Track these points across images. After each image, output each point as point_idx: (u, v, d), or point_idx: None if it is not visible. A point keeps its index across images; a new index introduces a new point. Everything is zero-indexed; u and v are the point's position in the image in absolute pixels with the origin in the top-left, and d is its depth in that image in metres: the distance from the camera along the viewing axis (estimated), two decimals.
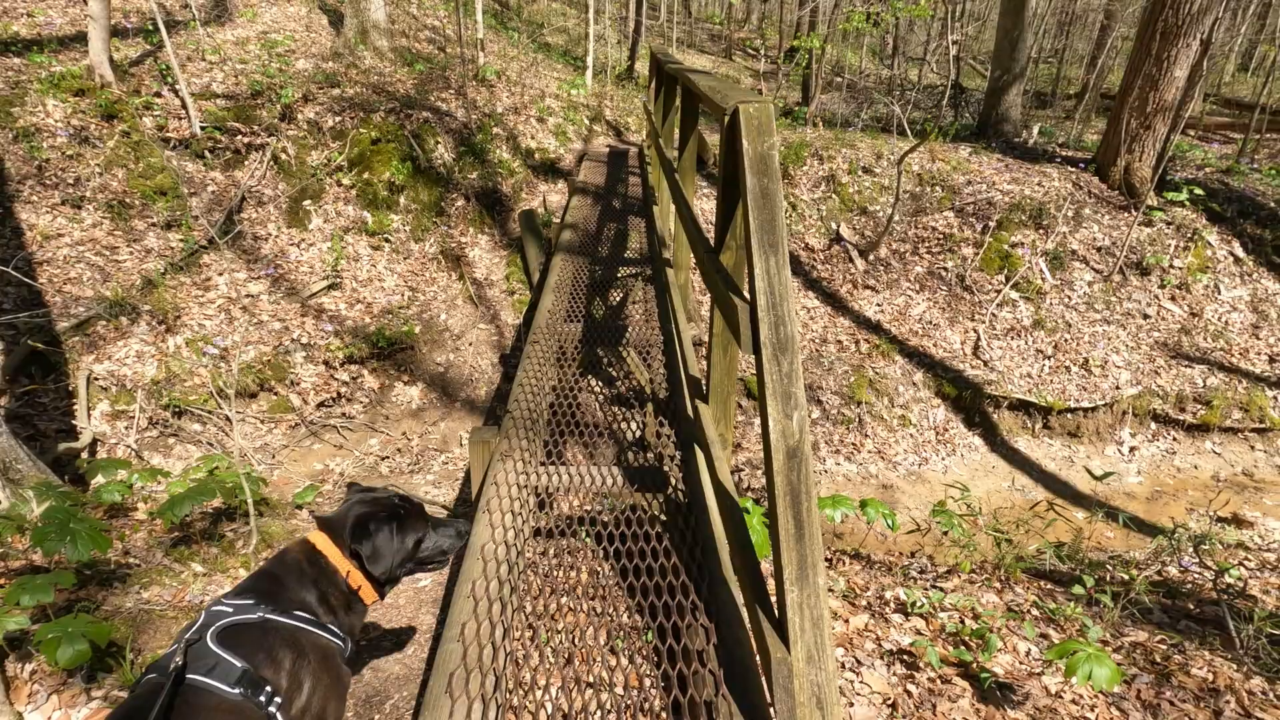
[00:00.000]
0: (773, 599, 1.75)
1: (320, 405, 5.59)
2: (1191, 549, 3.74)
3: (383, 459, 5.38)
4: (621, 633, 1.97)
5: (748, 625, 1.90)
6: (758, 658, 1.78)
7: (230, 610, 1.33)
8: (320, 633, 1.44)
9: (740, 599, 1.98)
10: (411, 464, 5.30)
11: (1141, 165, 7.58)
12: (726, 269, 2.26)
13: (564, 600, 2.10)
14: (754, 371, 4.17)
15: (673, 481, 2.45)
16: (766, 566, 2.67)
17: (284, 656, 1.33)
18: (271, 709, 1.25)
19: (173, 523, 2.30)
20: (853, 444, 6.23)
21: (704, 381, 2.73)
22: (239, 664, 1.24)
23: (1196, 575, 3.48)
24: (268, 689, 1.25)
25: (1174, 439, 6.43)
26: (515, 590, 2.01)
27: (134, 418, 4.84)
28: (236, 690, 1.21)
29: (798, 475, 1.64)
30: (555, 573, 2.26)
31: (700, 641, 1.85)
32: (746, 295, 1.97)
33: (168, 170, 6.10)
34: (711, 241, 2.45)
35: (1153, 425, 6.46)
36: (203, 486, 2.31)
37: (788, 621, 1.54)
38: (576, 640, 1.92)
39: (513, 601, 1.97)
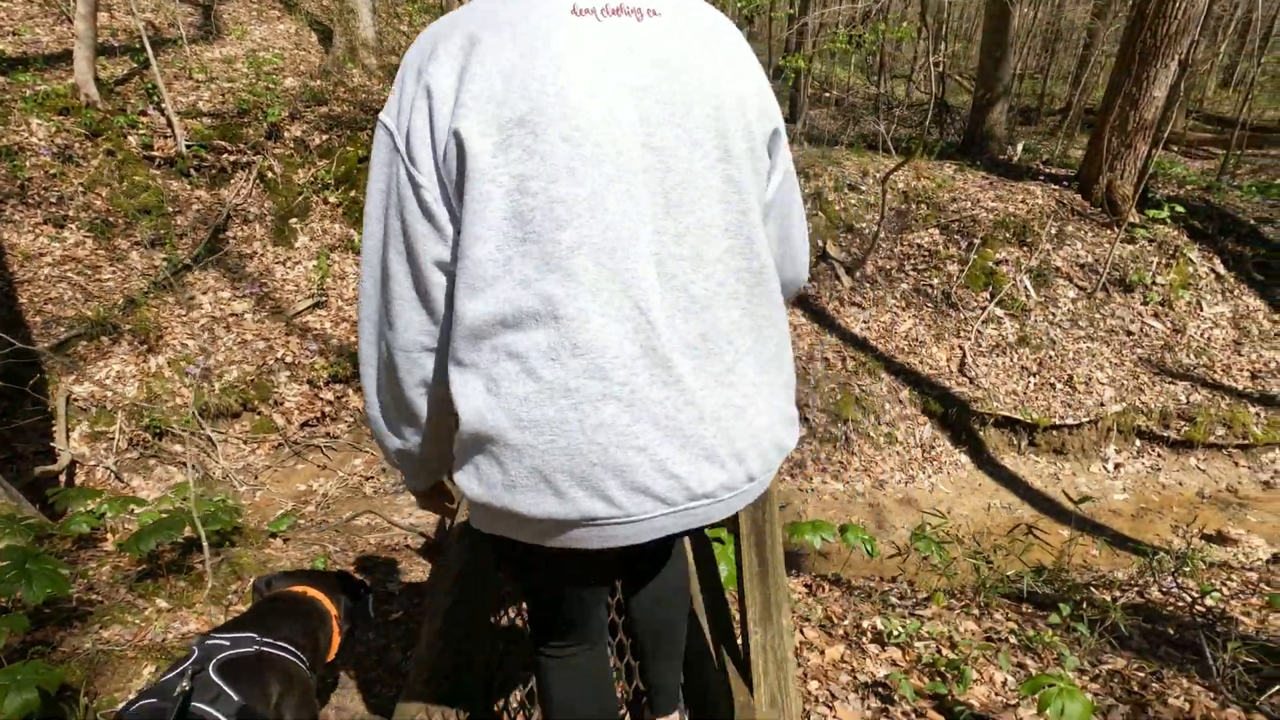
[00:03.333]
0: (738, 638, 1.74)
1: (304, 425, 5.56)
2: (1173, 571, 3.75)
3: (366, 479, 5.34)
4: None
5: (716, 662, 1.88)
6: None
7: (228, 644, 1.42)
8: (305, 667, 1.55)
9: (709, 634, 1.96)
10: (395, 484, 5.27)
11: (1123, 183, 7.66)
12: None
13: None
14: None
15: None
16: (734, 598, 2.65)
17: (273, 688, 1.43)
18: None
19: (140, 556, 2.27)
20: (840, 462, 6.22)
21: None
22: (237, 698, 1.32)
23: (1179, 598, 3.49)
24: None
25: (1158, 455, 6.45)
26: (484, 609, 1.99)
27: (113, 439, 4.80)
28: None
29: (763, 514, 1.63)
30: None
31: None
32: None
33: (152, 188, 6.08)
34: None
35: (1137, 442, 6.49)
36: (171, 519, 2.28)
37: (751, 664, 1.53)
38: None
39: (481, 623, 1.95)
